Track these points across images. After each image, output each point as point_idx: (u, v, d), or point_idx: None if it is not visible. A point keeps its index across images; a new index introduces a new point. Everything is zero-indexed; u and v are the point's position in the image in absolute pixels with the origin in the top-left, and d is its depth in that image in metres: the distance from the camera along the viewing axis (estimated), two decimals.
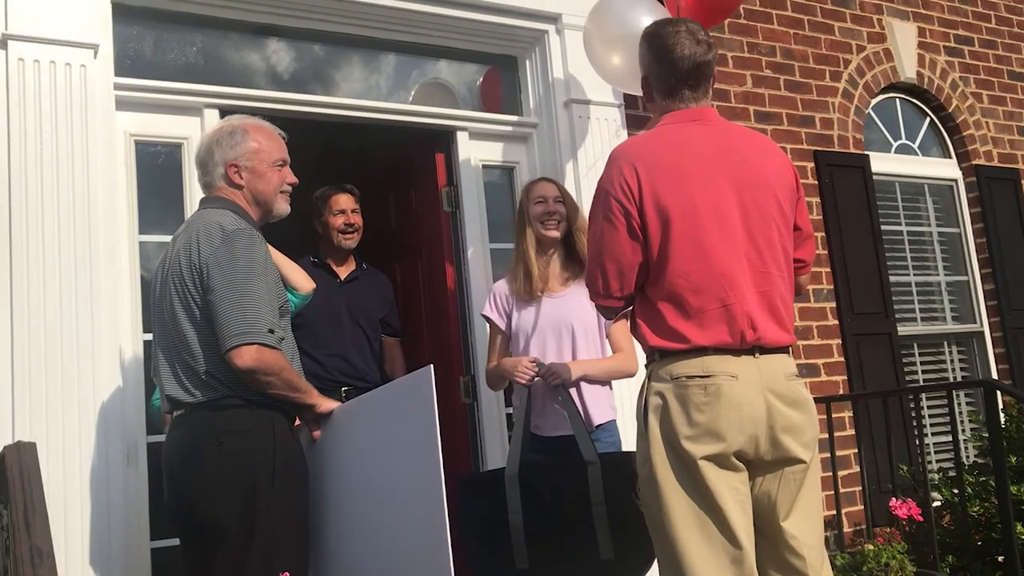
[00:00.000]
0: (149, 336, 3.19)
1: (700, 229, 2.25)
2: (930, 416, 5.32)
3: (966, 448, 5.02)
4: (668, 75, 2.38)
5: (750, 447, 2.20)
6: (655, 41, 2.42)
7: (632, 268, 2.32)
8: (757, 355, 2.24)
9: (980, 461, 4.48)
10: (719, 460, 2.17)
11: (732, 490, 2.17)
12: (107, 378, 3.12)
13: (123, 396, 3.19)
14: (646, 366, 2.37)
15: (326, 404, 2.66)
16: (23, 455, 2.09)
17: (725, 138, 2.38)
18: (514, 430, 3.20)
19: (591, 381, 3.33)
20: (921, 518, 3.46)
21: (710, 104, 2.45)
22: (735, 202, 2.29)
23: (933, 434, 5.26)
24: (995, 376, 5.49)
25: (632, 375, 3.45)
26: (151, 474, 3.21)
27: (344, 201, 4.09)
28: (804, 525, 2.25)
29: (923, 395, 5.18)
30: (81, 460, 3.00)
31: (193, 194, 3.47)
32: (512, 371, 3.27)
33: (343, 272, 4.12)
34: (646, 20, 3.55)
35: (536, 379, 3.22)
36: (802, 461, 2.24)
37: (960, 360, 5.59)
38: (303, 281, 3.32)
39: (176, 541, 2.72)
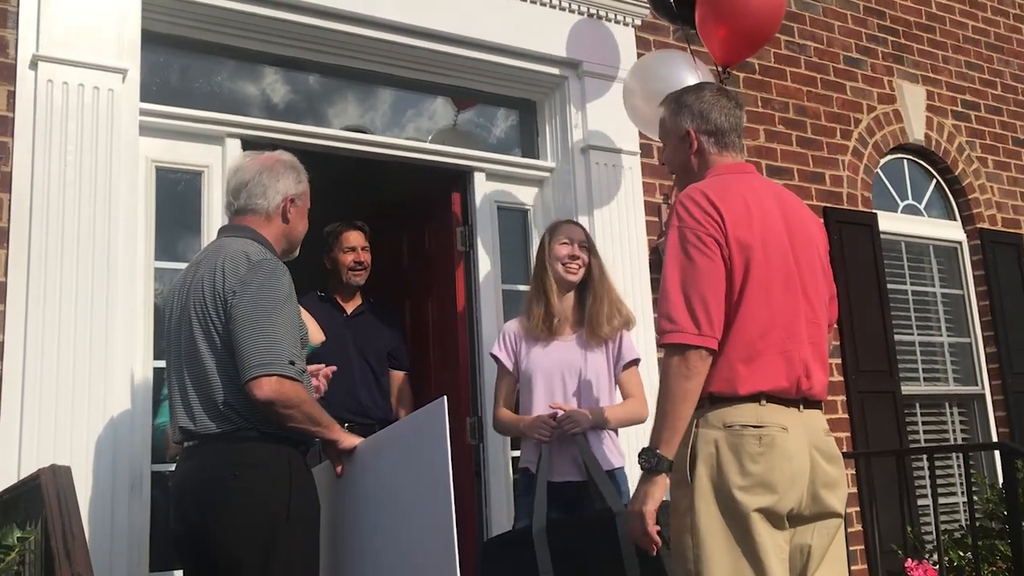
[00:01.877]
0: (159, 363, 3.15)
1: (770, 276, 2.26)
2: (929, 477, 5.29)
3: (967, 510, 4.98)
4: (719, 126, 2.46)
5: (796, 502, 2.19)
6: (701, 96, 2.50)
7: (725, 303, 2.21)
8: (801, 408, 2.25)
9: (985, 524, 4.46)
10: (770, 515, 2.15)
11: (777, 548, 2.15)
12: (118, 404, 3.08)
13: (132, 423, 3.14)
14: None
15: (349, 440, 2.61)
16: (59, 479, 2.04)
17: (778, 193, 2.45)
18: (537, 485, 3.16)
19: (603, 428, 3.30)
20: None
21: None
22: (792, 254, 2.32)
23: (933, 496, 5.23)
24: (995, 439, 5.48)
25: (643, 421, 3.41)
26: (153, 503, 3.16)
27: (355, 238, 4.09)
28: None
29: (926, 456, 5.15)
30: (87, 486, 2.95)
31: (211, 222, 3.46)
32: (531, 431, 3.26)
33: (350, 307, 4.11)
34: (682, 74, 3.83)
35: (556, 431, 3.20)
36: (839, 515, 2.26)
37: (961, 422, 5.58)
38: (315, 332, 3.32)
39: (178, 574, 2.66)
